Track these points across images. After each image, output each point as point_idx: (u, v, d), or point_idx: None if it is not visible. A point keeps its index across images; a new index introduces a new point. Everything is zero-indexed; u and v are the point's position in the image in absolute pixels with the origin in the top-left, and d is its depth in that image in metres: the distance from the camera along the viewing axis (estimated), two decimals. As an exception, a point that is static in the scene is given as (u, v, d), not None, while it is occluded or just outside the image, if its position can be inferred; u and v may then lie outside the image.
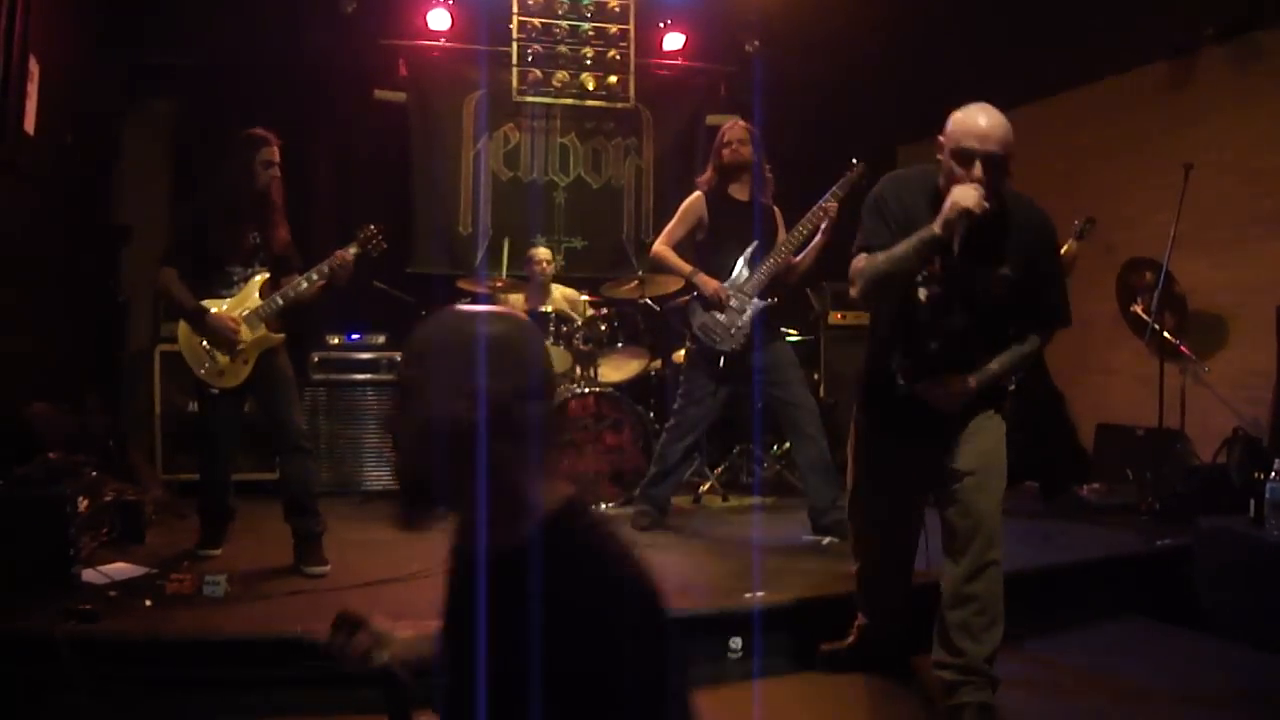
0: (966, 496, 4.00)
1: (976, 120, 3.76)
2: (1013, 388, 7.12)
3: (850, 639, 4.74)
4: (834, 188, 6.30)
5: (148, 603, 4.68)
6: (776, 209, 6.75)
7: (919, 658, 4.52)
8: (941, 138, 3.84)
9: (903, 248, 3.82)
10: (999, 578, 3.98)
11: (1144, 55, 8.27)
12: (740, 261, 6.49)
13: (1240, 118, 7.49)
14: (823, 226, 6.32)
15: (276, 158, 5.72)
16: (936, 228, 3.70)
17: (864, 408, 4.33)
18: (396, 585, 5.11)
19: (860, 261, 3.98)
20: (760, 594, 5.00)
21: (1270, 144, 7.28)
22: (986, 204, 3.66)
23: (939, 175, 3.88)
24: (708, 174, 6.69)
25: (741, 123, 6.70)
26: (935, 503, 4.17)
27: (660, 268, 6.87)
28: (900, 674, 4.62)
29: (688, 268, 6.58)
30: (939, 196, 3.81)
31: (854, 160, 6.36)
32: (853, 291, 4.05)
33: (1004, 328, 4.04)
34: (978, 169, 3.71)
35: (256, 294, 5.65)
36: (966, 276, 3.83)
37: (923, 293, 3.90)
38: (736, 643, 4.78)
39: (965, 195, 3.63)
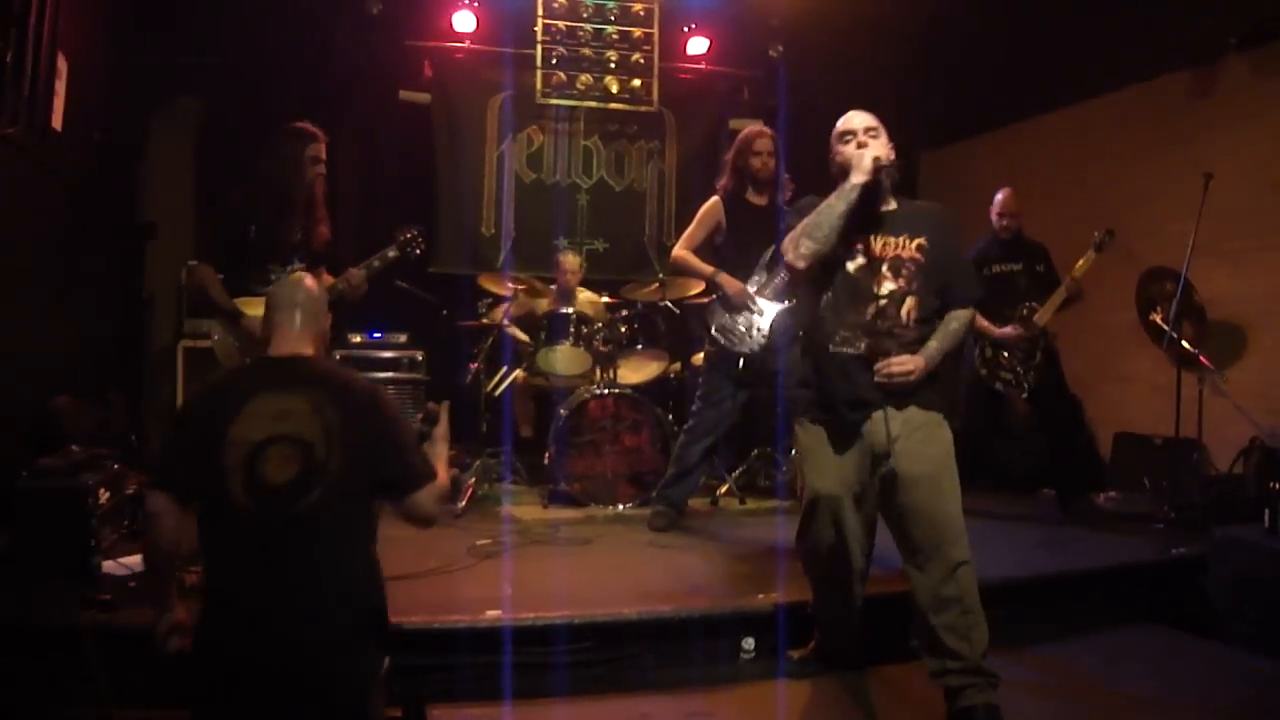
0: (923, 503, 4.04)
1: (845, 117, 4.34)
2: (1026, 395, 7.19)
3: (811, 646, 4.78)
4: None
5: (167, 594, 4.71)
6: None
7: (904, 666, 4.59)
8: (830, 156, 4.32)
9: (828, 205, 4.12)
10: (973, 576, 4.01)
11: (1166, 63, 8.24)
12: (760, 265, 6.52)
13: (1262, 127, 7.46)
14: None
15: (324, 155, 5.72)
16: (854, 179, 4.08)
17: (806, 404, 4.35)
18: (415, 581, 5.14)
19: (796, 228, 4.21)
20: (775, 595, 5.02)
21: (1293, 153, 7.28)
22: (890, 153, 4.19)
23: None
24: (727, 179, 6.71)
25: (768, 131, 6.73)
26: (888, 517, 4.20)
27: (682, 271, 6.91)
28: (905, 680, 4.62)
29: (709, 269, 6.61)
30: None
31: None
32: (789, 255, 4.20)
33: (930, 298, 4.23)
34: (861, 136, 4.21)
35: None
36: (887, 248, 4.17)
37: (851, 266, 4.16)
38: (749, 643, 4.81)
39: (865, 152, 4.13)
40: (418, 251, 5.96)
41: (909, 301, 4.16)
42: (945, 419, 4.24)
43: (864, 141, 4.19)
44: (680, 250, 6.73)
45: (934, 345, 4.18)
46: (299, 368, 3.30)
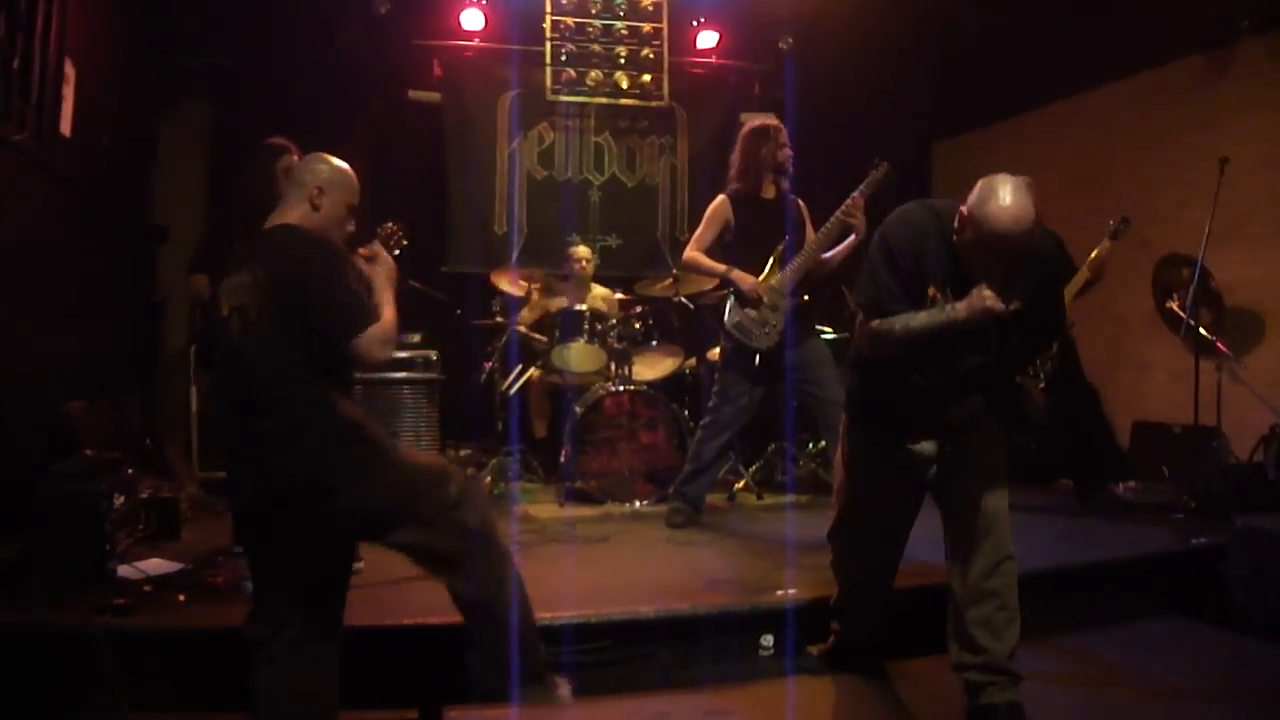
0: (974, 495, 3.98)
1: (1003, 215, 3.57)
2: (1043, 385, 7.13)
3: (830, 641, 4.73)
4: (860, 186, 6.23)
5: (181, 598, 4.70)
6: (803, 203, 6.76)
7: (925, 660, 4.56)
8: (964, 209, 3.69)
9: (921, 325, 3.80)
10: (1015, 573, 3.96)
11: (1179, 48, 8.20)
12: (771, 260, 6.49)
13: (1277, 111, 7.41)
14: (855, 226, 6.25)
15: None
16: (961, 315, 3.70)
17: (862, 421, 4.28)
18: (427, 582, 5.11)
19: (874, 324, 3.92)
20: (793, 591, 4.99)
21: (1308, 138, 7.22)
22: (1006, 306, 3.68)
23: (951, 218, 3.79)
24: (745, 174, 6.66)
25: (776, 121, 6.72)
26: (940, 507, 4.14)
27: (694, 272, 6.90)
28: (926, 675, 4.58)
29: (721, 267, 6.59)
30: (950, 242, 3.80)
31: (878, 160, 6.31)
32: (865, 349, 4.06)
33: (1008, 349, 4.00)
34: (992, 285, 3.68)
35: None
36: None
37: None
38: (768, 640, 4.78)
39: (992, 300, 3.65)
40: (401, 245, 5.97)
41: (986, 371, 3.99)
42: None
43: (988, 296, 3.66)
44: (690, 252, 6.71)
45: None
46: (262, 242, 3.73)
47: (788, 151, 6.60)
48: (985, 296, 3.65)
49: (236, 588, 4.87)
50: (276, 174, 5.64)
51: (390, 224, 5.87)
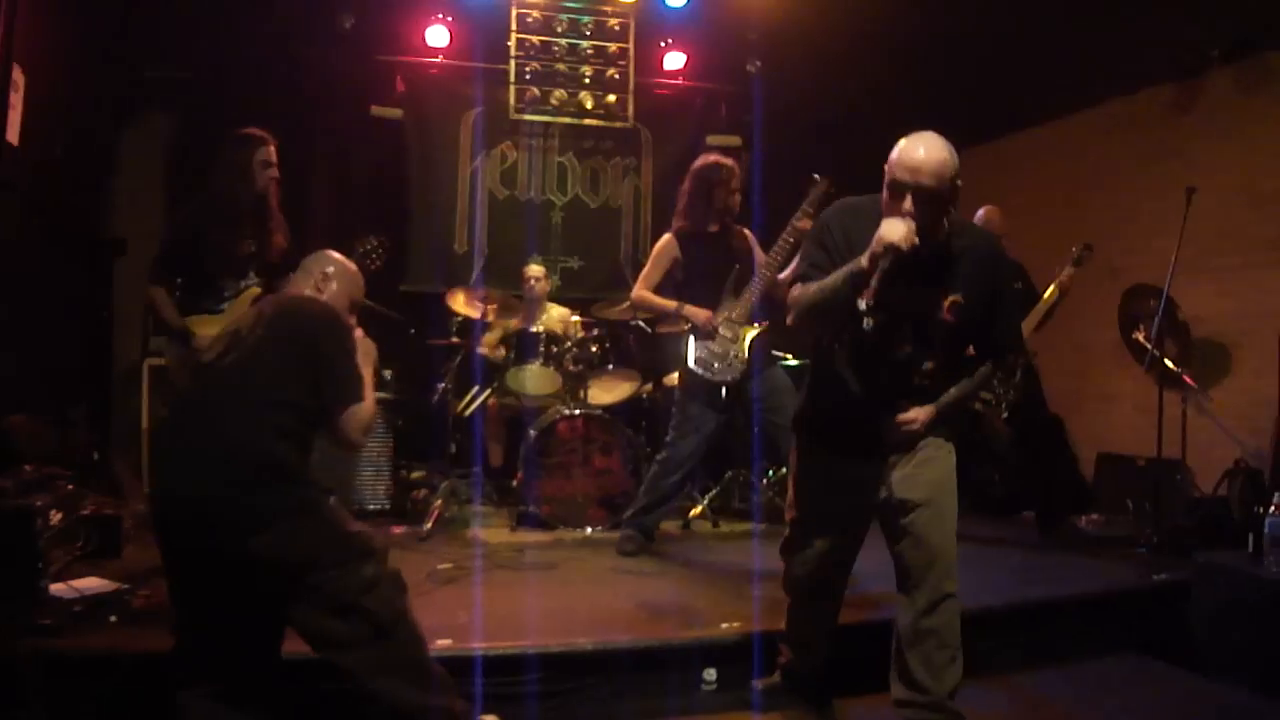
0: (919, 529, 3.86)
1: (913, 151, 3.62)
2: (1006, 415, 7.07)
3: (776, 676, 4.61)
4: (803, 205, 6.18)
5: (113, 619, 4.59)
6: (746, 231, 6.74)
7: (872, 698, 4.42)
8: (886, 166, 3.69)
9: (832, 279, 3.68)
10: (957, 611, 3.86)
11: (1149, 77, 8.21)
12: (726, 290, 6.43)
13: (1246, 141, 7.42)
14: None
15: (275, 158, 5.57)
16: (864, 260, 3.52)
17: (808, 435, 4.18)
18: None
19: (796, 290, 3.87)
20: (738, 624, 4.87)
21: (1277, 167, 7.20)
22: (915, 240, 3.48)
23: None
24: (691, 215, 6.63)
25: (733, 162, 6.69)
26: (886, 538, 4.02)
27: (645, 310, 6.83)
28: (872, 713, 4.46)
29: (672, 304, 6.58)
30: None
31: (815, 176, 6.22)
32: (789, 320, 3.94)
33: (957, 354, 3.91)
34: (908, 202, 3.57)
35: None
36: (914, 303, 3.70)
37: (867, 321, 3.53)
38: (710, 674, 4.65)
39: (892, 230, 3.46)
40: (375, 263, 5.80)
41: (929, 364, 3.84)
42: (948, 440, 4.03)
43: (909, 210, 3.54)
44: (639, 290, 6.70)
45: (953, 393, 3.90)
46: (275, 297, 3.99)
47: (738, 197, 6.60)
48: (886, 227, 3.49)
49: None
50: (253, 166, 5.48)
51: (372, 239, 5.67)
